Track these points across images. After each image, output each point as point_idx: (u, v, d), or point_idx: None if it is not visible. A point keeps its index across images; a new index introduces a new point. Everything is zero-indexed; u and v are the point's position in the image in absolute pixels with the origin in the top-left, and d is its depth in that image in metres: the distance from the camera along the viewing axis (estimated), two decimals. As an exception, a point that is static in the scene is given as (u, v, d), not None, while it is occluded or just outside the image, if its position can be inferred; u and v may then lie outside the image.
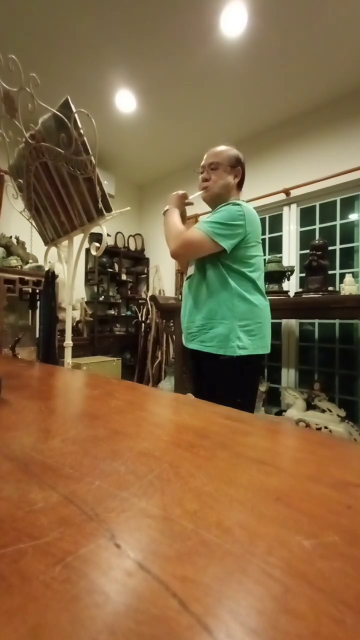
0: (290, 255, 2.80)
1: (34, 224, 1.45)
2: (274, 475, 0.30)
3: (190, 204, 1.19)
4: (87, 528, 0.21)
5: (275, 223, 2.93)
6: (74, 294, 1.39)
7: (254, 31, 1.97)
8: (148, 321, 3.65)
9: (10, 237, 2.48)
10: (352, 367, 2.46)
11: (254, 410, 1.12)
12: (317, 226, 2.70)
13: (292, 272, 2.21)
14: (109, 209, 1.04)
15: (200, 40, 2.04)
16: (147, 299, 3.75)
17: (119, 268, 3.78)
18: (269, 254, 2.82)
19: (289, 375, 2.73)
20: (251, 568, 0.18)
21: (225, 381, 1.01)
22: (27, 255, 2.50)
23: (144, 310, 3.73)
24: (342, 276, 2.25)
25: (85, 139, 0.94)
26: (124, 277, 3.83)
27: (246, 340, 0.99)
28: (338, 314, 1.88)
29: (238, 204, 1.00)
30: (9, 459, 0.31)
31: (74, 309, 3.01)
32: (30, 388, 0.66)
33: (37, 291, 2.10)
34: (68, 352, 1.28)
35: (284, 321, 2.74)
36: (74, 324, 3.18)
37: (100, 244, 1.08)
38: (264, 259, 1.42)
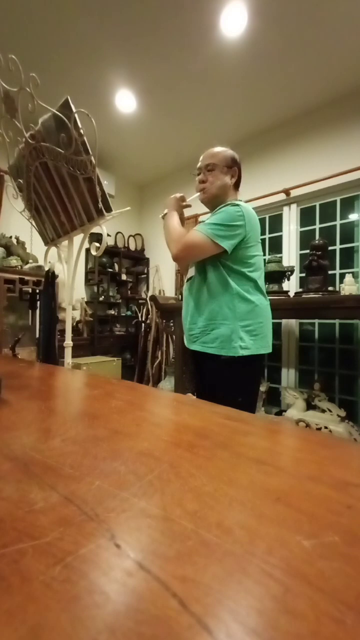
0: (290, 255, 2.80)
1: (34, 224, 1.45)
2: (274, 475, 0.30)
3: (188, 206, 1.19)
4: (87, 528, 0.21)
5: (275, 223, 2.93)
6: (74, 294, 1.39)
7: (254, 31, 1.97)
8: (148, 321, 3.65)
9: (10, 237, 2.48)
10: (352, 367, 2.46)
11: (255, 410, 1.12)
12: (317, 226, 2.70)
13: (292, 272, 2.20)
14: (109, 209, 1.05)
15: (201, 40, 2.04)
16: (147, 299, 3.75)
17: (119, 268, 3.78)
18: (269, 254, 2.82)
19: (289, 375, 2.73)
20: (251, 568, 0.18)
21: (227, 381, 1.01)
22: (27, 255, 2.50)
23: (144, 310, 3.73)
24: (342, 276, 2.25)
25: (85, 139, 0.94)
26: (124, 277, 3.83)
27: (248, 341, 0.99)
28: (338, 314, 1.88)
29: (237, 205, 1.00)
30: (9, 459, 0.31)
31: (74, 309, 3.02)
32: (30, 388, 0.66)
33: (37, 291, 2.10)
34: (68, 352, 1.28)
35: (284, 321, 2.74)
36: (74, 324, 3.18)
37: (100, 244, 1.08)
38: (264, 259, 1.43)
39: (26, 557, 0.19)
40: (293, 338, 2.73)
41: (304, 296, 1.93)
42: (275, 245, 2.91)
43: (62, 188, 1.15)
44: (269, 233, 2.96)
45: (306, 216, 2.78)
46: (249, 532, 0.22)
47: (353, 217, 2.54)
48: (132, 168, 3.74)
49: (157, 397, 0.66)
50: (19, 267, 2.29)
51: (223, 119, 2.82)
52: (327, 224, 2.65)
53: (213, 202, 1.10)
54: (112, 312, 3.73)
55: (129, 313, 3.98)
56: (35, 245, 2.41)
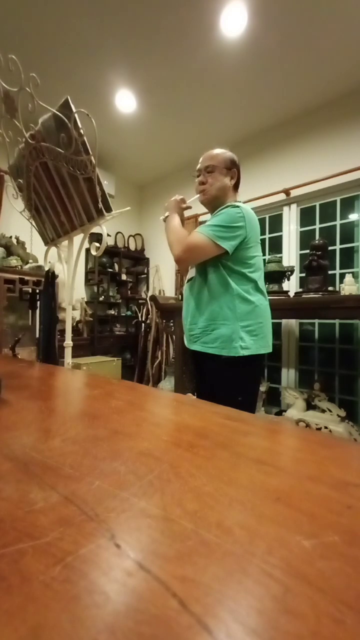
0: (290, 255, 2.80)
1: (34, 224, 1.45)
2: (274, 475, 0.30)
3: (189, 207, 1.20)
4: (87, 528, 0.21)
5: (275, 223, 2.93)
6: (74, 294, 1.39)
7: (253, 31, 1.97)
8: (148, 321, 3.65)
9: (10, 237, 2.48)
10: (352, 367, 2.46)
11: (255, 410, 1.12)
12: (317, 226, 2.70)
13: (292, 272, 2.20)
14: (109, 209, 1.05)
15: (200, 40, 2.04)
16: (147, 299, 3.75)
17: (119, 268, 3.78)
18: (269, 254, 2.82)
19: (289, 375, 2.73)
20: (251, 568, 0.18)
21: (227, 381, 1.01)
22: (27, 255, 2.50)
23: (144, 310, 3.73)
24: (342, 276, 2.24)
25: (85, 139, 0.94)
26: (124, 277, 3.83)
27: (249, 341, 0.99)
28: (338, 314, 1.88)
29: (237, 206, 1.01)
30: (9, 459, 0.31)
31: (74, 309, 3.01)
32: (30, 388, 0.66)
33: (37, 291, 2.10)
34: (68, 352, 1.28)
35: (284, 321, 2.74)
36: (74, 324, 3.18)
37: (100, 244, 1.08)
38: (264, 259, 1.42)
39: (26, 557, 0.19)
40: (293, 338, 2.73)
41: (304, 296, 1.93)
42: (275, 245, 2.91)
43: (62, 188, 1.15)
44: (269, 233, 2.96)
45: (306, 216, 2.77)
46: (249, 532, 0.22)
47: (353, 217, 2.54)
48: (132, 168, 3.74)
49: (157, 397, 0.66)
50: (19, 267, 2.29)
51: (223, 119, 2.82)
52: (327, 224, 2.65)
53: (213, 203, 1.11)
54: (112, 312, 3.73)
55: (129, 313, 3.98)
56: (35, 245, 2.41)
